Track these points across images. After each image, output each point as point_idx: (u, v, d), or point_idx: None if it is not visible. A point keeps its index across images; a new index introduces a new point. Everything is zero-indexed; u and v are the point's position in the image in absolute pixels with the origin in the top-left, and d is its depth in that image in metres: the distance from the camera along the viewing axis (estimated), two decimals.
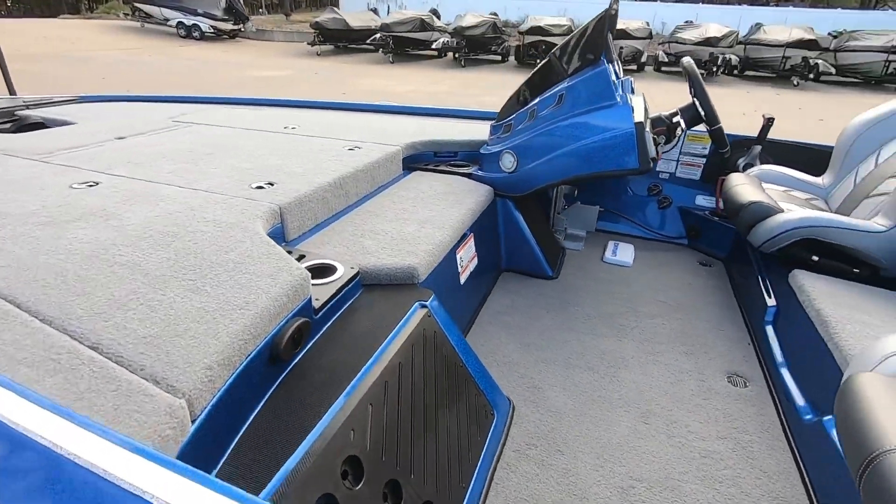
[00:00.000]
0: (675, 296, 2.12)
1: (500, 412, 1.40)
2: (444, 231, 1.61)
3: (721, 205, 2.49)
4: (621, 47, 12.43)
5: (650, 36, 13.31)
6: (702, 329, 1.90)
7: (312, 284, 1.20)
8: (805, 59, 11.51)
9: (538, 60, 12.32)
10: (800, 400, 1.44)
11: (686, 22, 14.37)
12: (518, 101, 2.08)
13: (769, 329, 1.77)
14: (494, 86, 9.81)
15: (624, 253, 2.41)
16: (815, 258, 1.75)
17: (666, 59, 12.62)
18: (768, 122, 2.27)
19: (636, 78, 11.67)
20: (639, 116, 1.75)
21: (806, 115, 8.30)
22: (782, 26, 12.61)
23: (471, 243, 1.86)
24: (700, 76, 1.98)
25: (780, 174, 2.21)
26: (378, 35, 13.14)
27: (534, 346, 1.76)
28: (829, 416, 1.28)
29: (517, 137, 2.01)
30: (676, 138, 2.10)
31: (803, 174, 2.20)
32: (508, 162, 2.04)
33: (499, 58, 13.71)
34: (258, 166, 1.76)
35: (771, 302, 1.82)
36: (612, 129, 1.77)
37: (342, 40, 14.41)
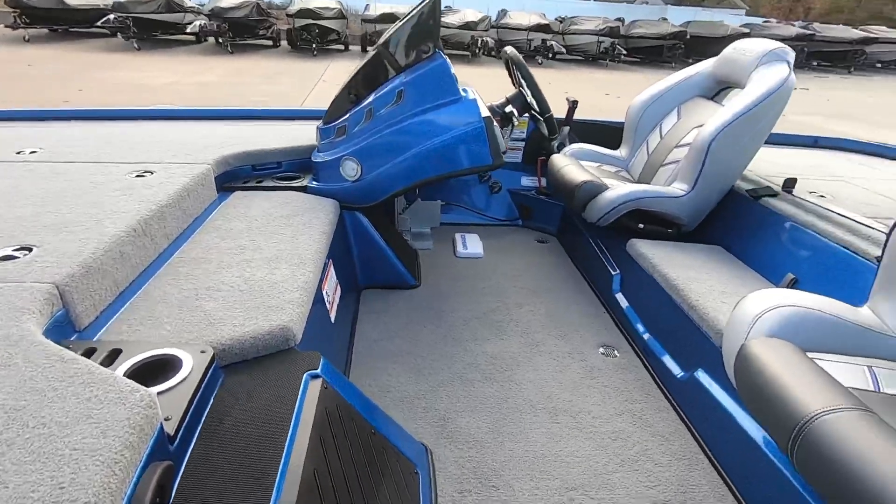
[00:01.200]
0: (530, 279, 2.21)
1: (422, 466, 1.22)
2: (305, 267, 1.31)
3: (543, 183, 2.68)
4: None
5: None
6: (563, 308, 2.01)
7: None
8: (544, 40, 13.52)
9: (314, 45, 11.79)
10: (667, 360, 1.61)
11: (446, 7, 15.45)
12: (349, 98, 1.83)
13: (619, 296, 1.95)
14: (275, 73, 8.98)
15: (473, 244, 2.41)
16: (641, 225, 1.98)
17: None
18: (573, 105, 2.49)
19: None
20: (485, 110, 1.69)
21: (555, 89, 9.73)
22: (523, 12, 14.57)
23: (332, 272, 1.58)
24: (526, 65, 2.03)
25: (589, 151, 2.45)
26: (112, 16, 10.76)
27: (425, 369, 1.61)
28: (699, 370, 1.45)
29: (356, 140, 1.77)
30: (511, 128, 2.14)
31: (605, 149, 2.48)
32: (351, 169, 1.79)
33: (270, 42, 12.67)
34: None
35: (615, 271, 2.02)
36: (462, 126, 1.67)
37: (59, 22, 11.41)
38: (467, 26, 12.92)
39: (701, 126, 1.93)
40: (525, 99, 2.11)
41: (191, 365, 0.92)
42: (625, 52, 14.22)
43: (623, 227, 1.99)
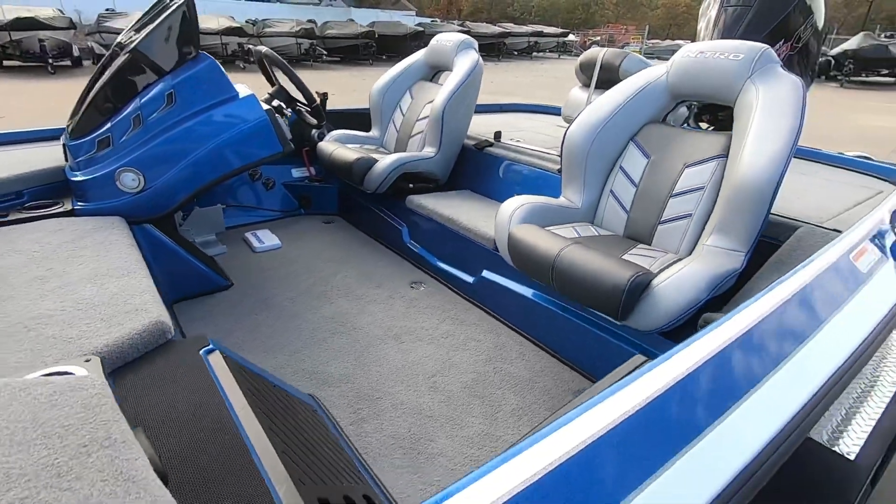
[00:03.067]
0: (333, 253, 2.45)
1: (316, 406, 1.40)
2: (138, 275, 1.29)
3: (314, 172, 2.91)
4: (41, 40, 10.39)
5: (72, 25, 11.57)
6: (370, 267, 2.33)
7: None
8: (240, 44, 13.06)
9: None
10: (461, 274, 2.12)
11: (108, 10, 13.32)
12: (103, 108, 1.69)
13: (411, 244, 2.39)
14: None
15: (267, 238, 2.49)
16: (411, 185, 2.44)
17: (104, 52, 11.49)
18: (324, 97, 2.76)
19: (73, 75, 10.20)
20: (264, 104, 1.83)
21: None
22: (208, 15, 13.65)
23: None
24: (284, 61, 2.18)
25: (348, 135, 2.79)
26: None
27: (275, 346, 1.72)
28: (484, 271, 2.00)
29: (129, 150, 1.68)
30: (285, 120, 2.28)
31: (360, 132, 2.86)
32: (131, 181, 1.69)
33: None
34: None
35: (401, 226, 2.44)
36: (248, 121, 1.78)
37: None
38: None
39: (432, 101, 2.49)
40: (288, 93, 2.29)
41: (85, 375, 0.91)
42: (325, 52, 14.90)
43: (397, 190, 2.42)
